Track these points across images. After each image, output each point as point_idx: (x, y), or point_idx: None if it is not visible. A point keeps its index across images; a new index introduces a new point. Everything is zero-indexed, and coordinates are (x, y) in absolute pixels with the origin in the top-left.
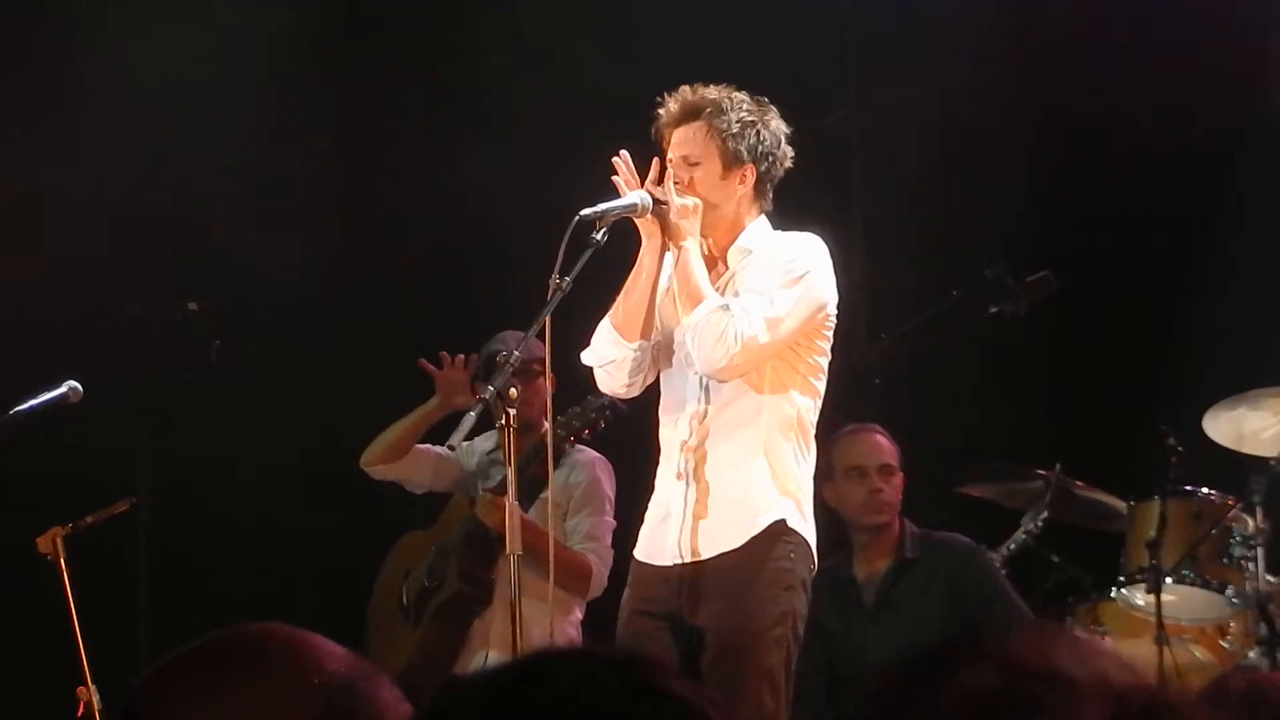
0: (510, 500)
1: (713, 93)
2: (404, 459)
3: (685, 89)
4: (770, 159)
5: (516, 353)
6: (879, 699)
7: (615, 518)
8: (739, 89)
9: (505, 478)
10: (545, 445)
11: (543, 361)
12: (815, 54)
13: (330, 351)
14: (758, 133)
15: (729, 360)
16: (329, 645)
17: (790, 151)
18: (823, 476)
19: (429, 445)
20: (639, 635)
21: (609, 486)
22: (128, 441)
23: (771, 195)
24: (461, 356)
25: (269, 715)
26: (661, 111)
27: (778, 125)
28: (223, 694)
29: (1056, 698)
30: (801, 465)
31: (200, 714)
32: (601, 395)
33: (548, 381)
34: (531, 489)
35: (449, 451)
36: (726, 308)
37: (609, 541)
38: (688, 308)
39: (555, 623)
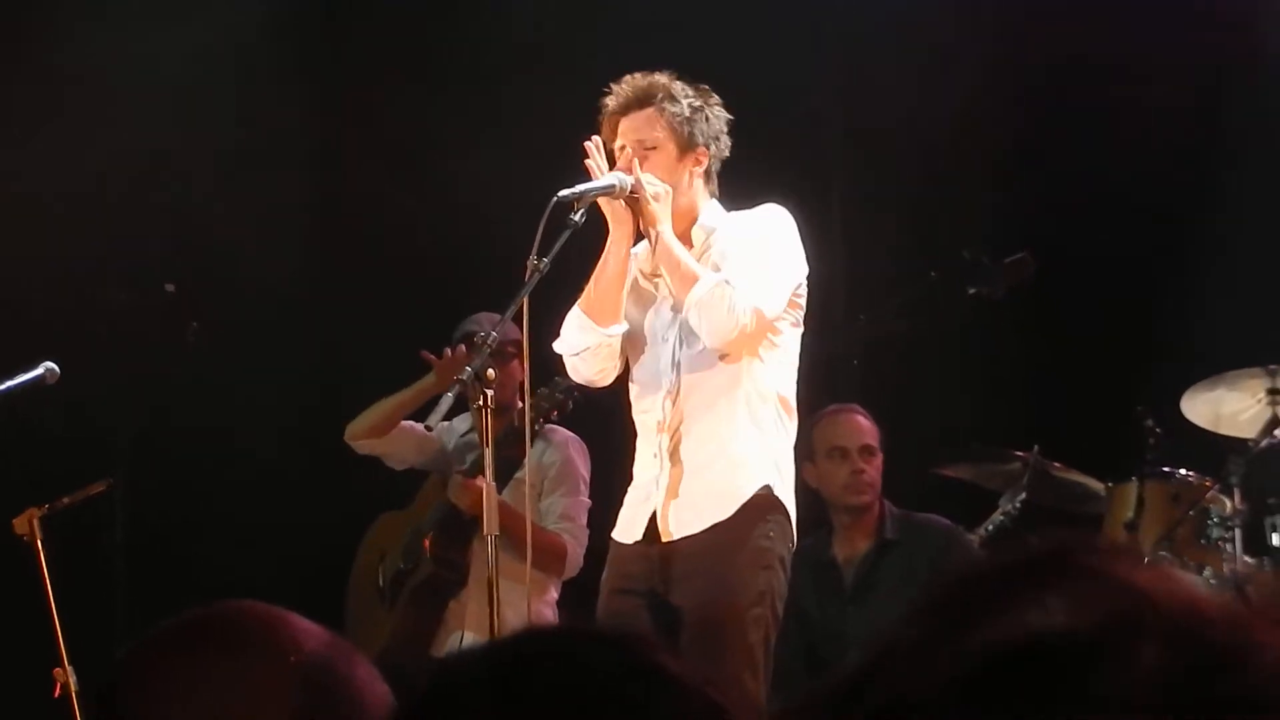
0: (488, 481)
1: (660, 78)
2: (389, 435)
3: (631, 77)
4: (717, 142)
5: (494, 334)
6: (929, 609)
7: (590, 498)
8: (710, 74)
9: (479, 459)
10: (518, 427)
11: (517, 343)
12: (796, 39)
13: (308, 334)
14: (706, 118)
15: (739, 332)
16: (305, 624)
17: (729, 140)
18: (803, 457)
19: (411, 422)
20: (618, 614)
21: (583, 466)
22: (104, 422)
23: (717, 180)
24: (462, 349)
25: (245, 693)
26: (609, 100)
27: (720, 111)
28: (199, 672)
29: (1126, 629)
30: (783, 435)
31: (177, 692)
32: (567, 378)
33: (525, 363)
34: (506, 470)
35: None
36: (727, 281)
37: (584, 521)
38: (683, 288)
39: (531, 604)
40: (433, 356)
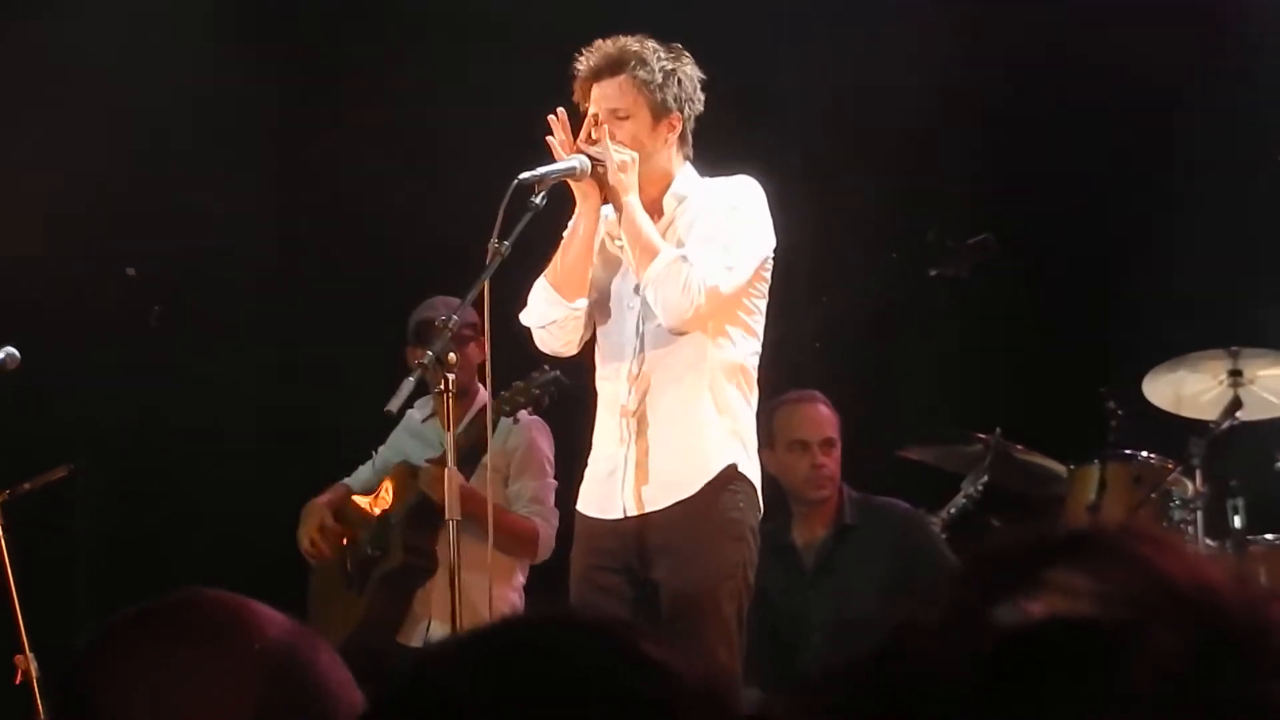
0: (450, 467)
1: (632, 44)
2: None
3: (602, 42)
4: (691, 105)
5: (455, 318)
6: (959, 584)
7: (555, 477)
8: (673, 41)
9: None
10: (483, 414)
11: (475, 326)
12: (759, 14)
13: (271, 317)
14: (679, 81)
15: (694, 311)
16: (269, 611)
17: (703, 96)
18: (763, 443)
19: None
20: (594, 590)
21: (547, 447)
22: (65, 408)
23: (691, 142)
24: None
25: (209, 680)
26: (580, 65)
27: (693, 70)
28: (163, 660)
29: (1148, 612)
30: (746, 409)
31: (140, 679)
32: (547, 370)
33: (487, 345)
34: (471, 456)
35: None
36: (684, 258)
37: (553, 503)
38: (643, 262)
39: (497, 589)
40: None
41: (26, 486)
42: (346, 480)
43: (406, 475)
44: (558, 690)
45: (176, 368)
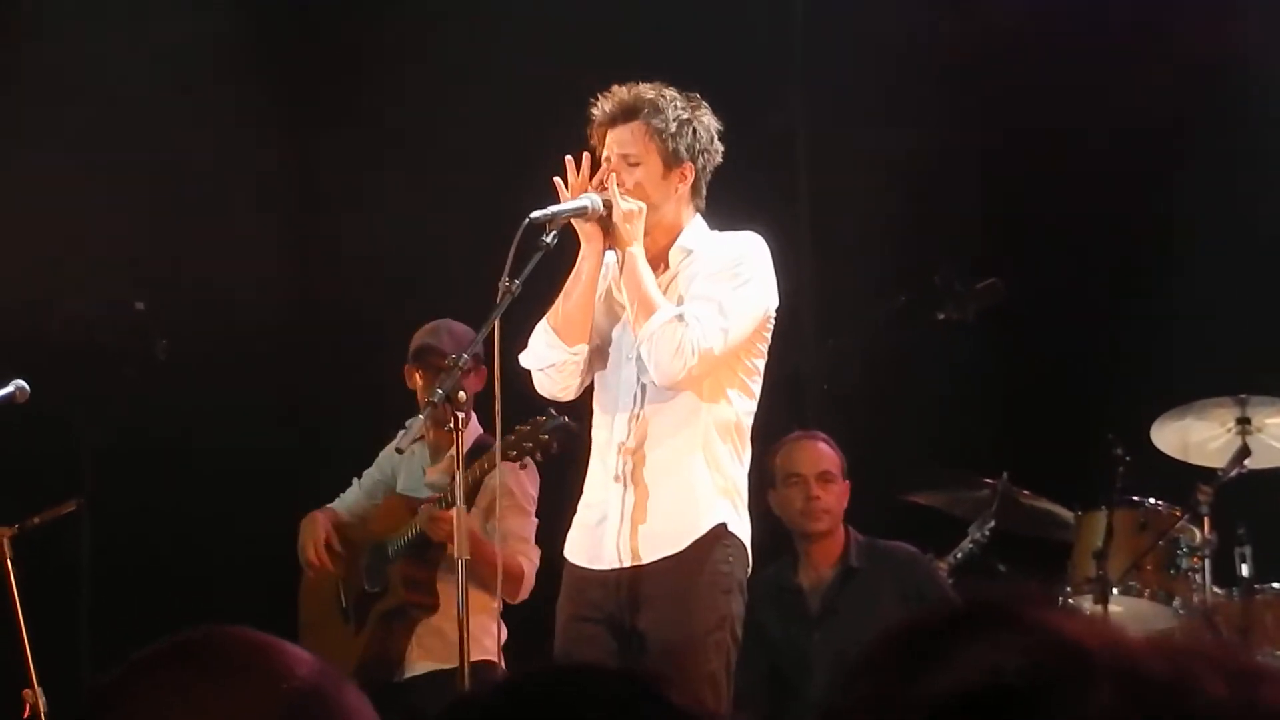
0: (459, 505)
1: (648, 91)
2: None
3: (619, 88)
4: (706, 155)
5: (465, 355)
6: (874, 666)
7: (541, 516)
8: (678, 87)
9: (450, 488)
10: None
11: (476, 357)
12: (763, 55)
13: (277, 351)
14: (694, 130)
15: (686, 372)
16: (295, 650)
17: (721, 147)
18: (767, 483)
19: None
20: (579, 640)
21: (531, 485)
22: (73, 441)
23: (705, 193)
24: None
25: (236, 719)
26: (595, 111)
27: (710, 120)
28: (188, 697)
29: (1073, 672)
30: (738, 467)
31: (165, 717)
32: (554, 415)
33: (497, 385)
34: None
35: None
36: (681, 318)
37: (534, 540)
38: (640, 317)
39: (483, 621)
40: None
41: (36, 520)
42: (332, 505)
43: (402, 509)
44: None
45: (184, 401)
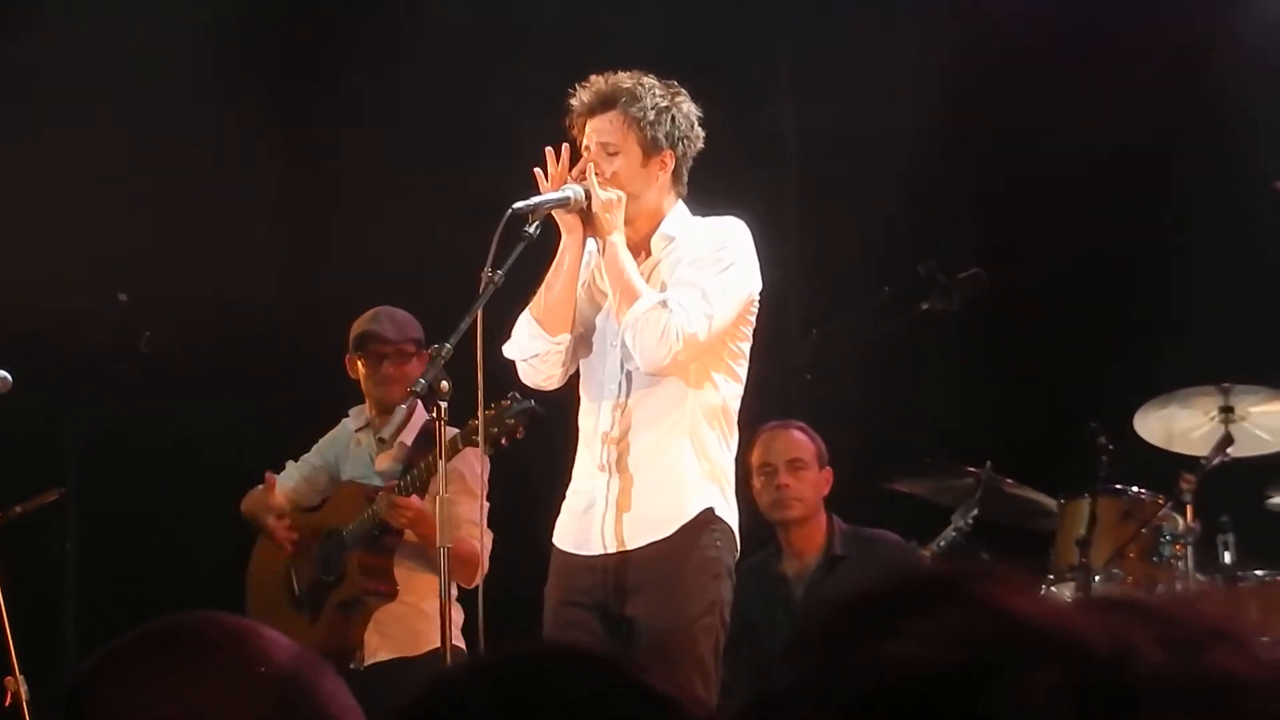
0: (441, 494)
1: (626, 80)
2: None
3: (597, 78)
4: (686, 142)
5: (449, 345)
6: (826, 637)
7: (529, 502)
8: (669, 77)
9: (409, 474)
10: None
11: (417, 342)
12: (750, 48)
13: (261, 342)
14: (672, 118)
15: (671, 358)
16: (274, 635)
17: (702, 133)
18: (748, 474)
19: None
20: (568, 626)
21: (480, 467)
22: (57, 431)
23: (687, 180)
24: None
25: (215, 703)
26: (574, 101)
27: (689, 108)
28: (169, 681)
29: (1015, 651)
30: (725, 452)
31: (146, 701)
32: (519, 398)
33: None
34: (403, 472)
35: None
36: (664, 304)
37: (485, 523)
38: (623, 304)
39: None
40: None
41: (18, 510)
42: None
43: (357, 496)
44: (566, 717)
45: (167, 393)
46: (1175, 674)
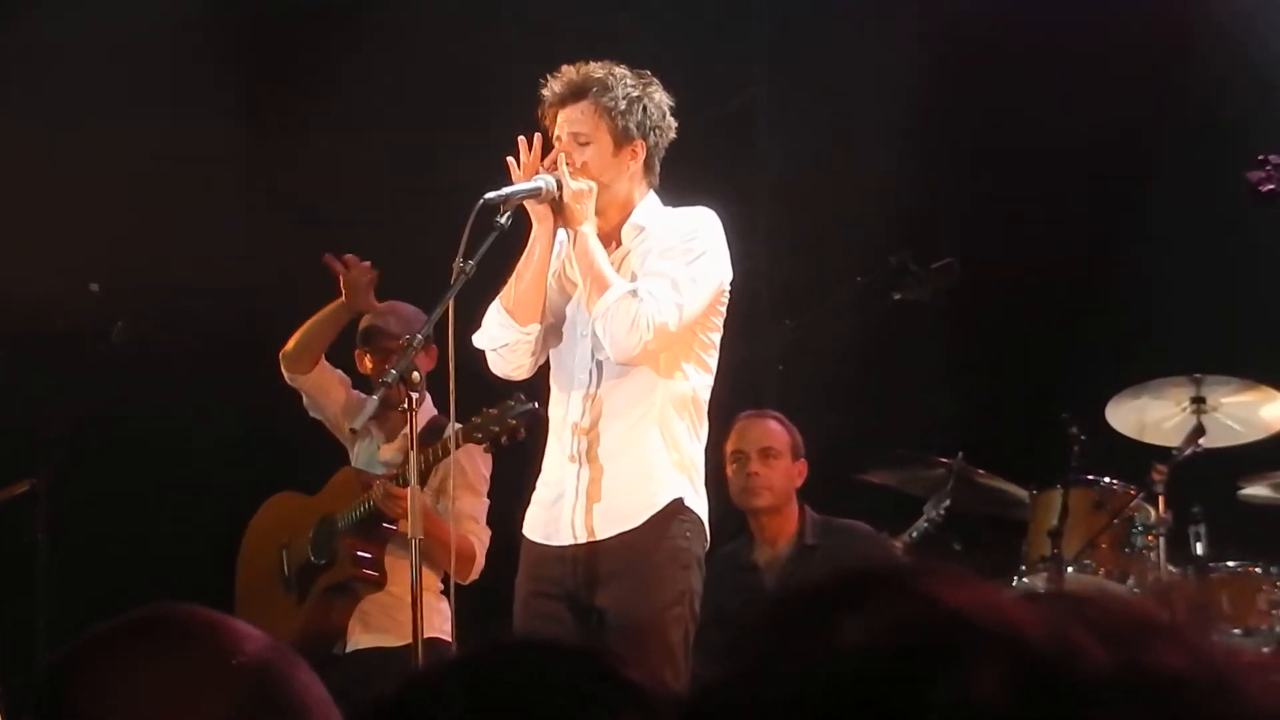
0: (413, 485)
1: (597, 70)
2: (315, 375)
3: (568, 68)
4: (657, 132)
5: (419, 335)
6: (767, 629)
7: (499, 495)
8: (641, 66)
9: (403, 467)
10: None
11: (397, 338)
12: (723, 36)
13: (235, 332)
14: (644, 108)
15: (641, 347)
16: (246, 627)
17: (674, 123)
18: (724, 461)
19: (344, 377)
20: (538, 617)
21: (483, 464)
22: (28, 422)
23: (659, 170)
24: (368, 264)
25: (188, 694)
26: (546, 91)
27: (661, 98)
28: (142, 672)
29: (953, 650)
30: (694, 442)
31: (119, 692)
32: (523, 399)
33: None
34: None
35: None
36: (635, 293)
37: (485, 520)
38: (594, 294)
39: (431, 600)
40: (337, 265)
41: None
42: None
43: (354, 483)
44: (543, 712)
45: (139, 383)
46: (1116, 671)
